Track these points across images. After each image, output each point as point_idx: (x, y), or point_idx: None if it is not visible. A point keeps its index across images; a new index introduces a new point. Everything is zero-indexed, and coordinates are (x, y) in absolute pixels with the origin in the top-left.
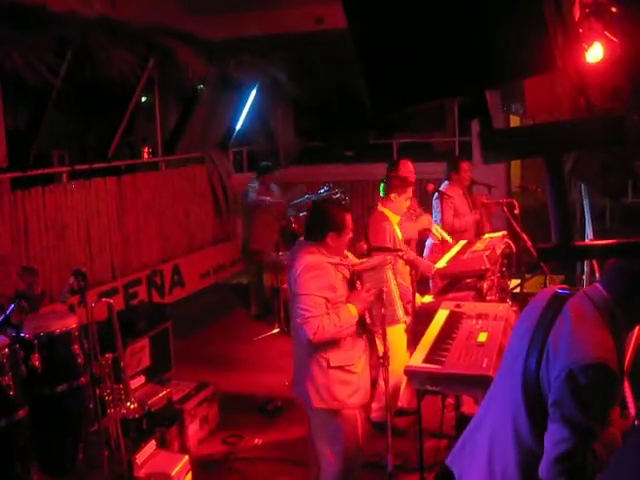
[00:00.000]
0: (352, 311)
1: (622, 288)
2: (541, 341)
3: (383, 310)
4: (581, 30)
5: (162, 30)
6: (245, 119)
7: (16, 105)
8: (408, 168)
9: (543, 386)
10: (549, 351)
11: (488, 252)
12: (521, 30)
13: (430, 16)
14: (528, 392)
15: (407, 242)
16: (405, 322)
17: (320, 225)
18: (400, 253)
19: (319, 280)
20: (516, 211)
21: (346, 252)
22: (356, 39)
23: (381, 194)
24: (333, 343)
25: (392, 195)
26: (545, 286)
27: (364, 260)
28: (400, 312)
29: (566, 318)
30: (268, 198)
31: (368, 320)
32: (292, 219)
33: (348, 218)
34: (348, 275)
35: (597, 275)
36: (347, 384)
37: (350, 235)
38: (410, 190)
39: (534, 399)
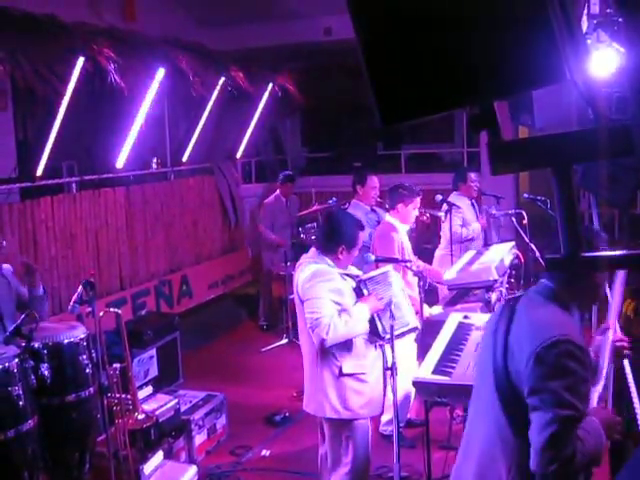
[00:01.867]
0: (363, 309)
1: (564, 276)
2: (503, 344)
3: (392, 321)
4: (589, 41)
5: (171, 41)
6: (253, 130)
7: (26, 115)
8: (373, 183)
9: (516, 384)
10: (513, 350)
11: (496, 263)
12: (529, 41)
13: (438, 27)
14: (505, 397)
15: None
16: (416, 328)
17: (333, 239)
18: (408, 264)
19: (327, 284)
20: (524, 222)
21: (350, 265)
22: (364, 50)
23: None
24: (345, 350)
25: (399, 205)
26: None
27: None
28: (410, 317)
29: (521, 314)
30: (274, 237)
31: (379, 328)
32: (300, 230)
33: (361, 235)
34: (354, 285)
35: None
36: (360, 394)
37: (357, 251)
38: (418, 200)
39: (512, 402)
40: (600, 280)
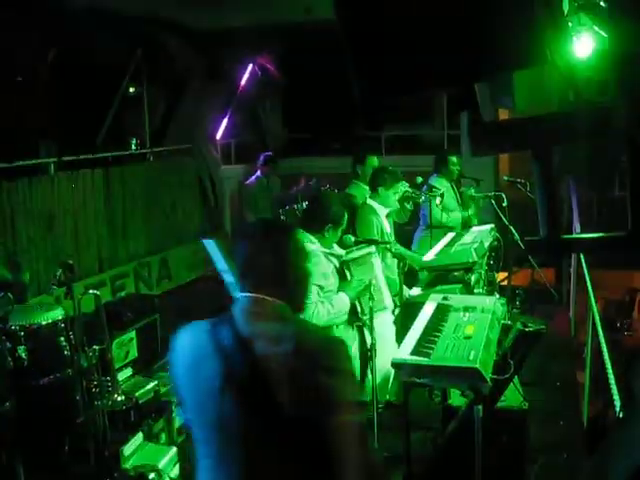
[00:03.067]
0: (345, 299)
1: None
2: None
3: (371, 302)
4: (570, 24)
5: (150, 20)
6: (233, 111)
7: (2, 96)
8: (373, 163)
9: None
10: None
11: (476, 245)
12: (511, 23)
13: (419, 8)
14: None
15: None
16: (393, 310)
17: (321, 218)
18: (388, 246)
19: (312, 268)
20: (504, 204)
21: (334, 244)
22: (345, 30)
23: None
24: None
25: (379, 189)
26: (533, 279)
27: (352, 251)
28: (387, 300)
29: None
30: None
31: (358, 309)
32: (281, 212)
33: (345, 215)
34: (338, 265)
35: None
36: None
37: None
38: (399, 185)
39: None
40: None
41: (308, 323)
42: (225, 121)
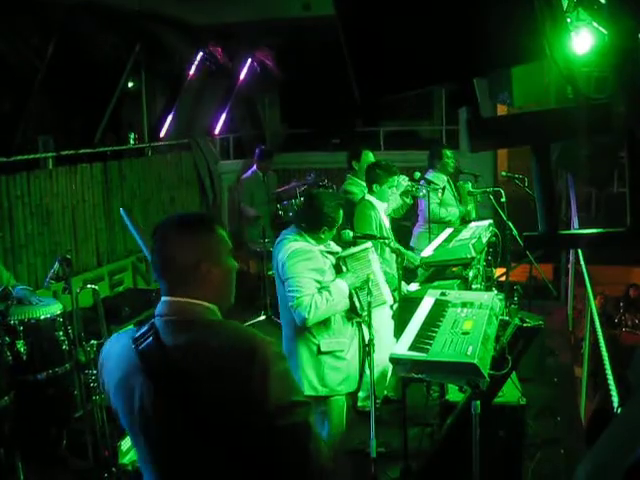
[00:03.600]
0: (342, 285)
1: None
2: None
3: (369, 297)
4: (569, 19)
5: (149, 15)
6: (232, 106)
7: (0, 89)
8: (369, 159)
9: None
10: None
11: (474, 240)
12: (510, 18)
13: (419, 3)
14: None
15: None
16: (391, 305)
17: (316, 218)
18: (386, 241)
19: (307, 263)
20: (502, 200)
21: (330, 241)
22: (344, 24)
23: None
24: (323, 328)
25: (374, 185)
26: (531, 275)
27: (349, 248)
28: (386, 294)
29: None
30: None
31: (357, 305)
32: (279, 207)
33: (341, 214)
34: (334, 262)
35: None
36: (337, 371)
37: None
38: (395, 179)
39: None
40: None
41: (236, 325)
42: (223, 116)
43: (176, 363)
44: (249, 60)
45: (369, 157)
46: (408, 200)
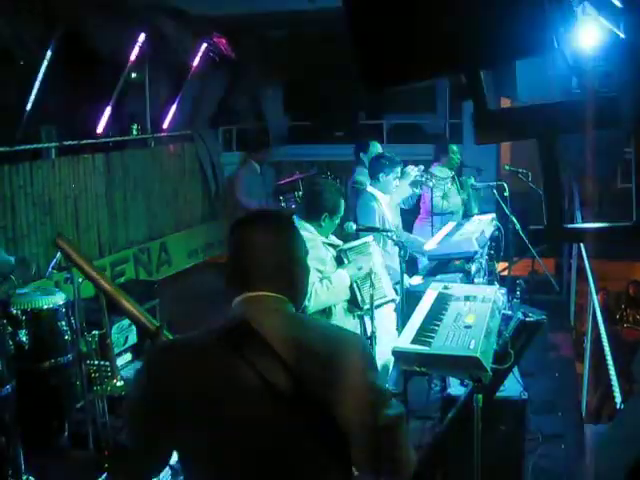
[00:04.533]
0: (343, 275)
1: None
2: None
3: (371, 290)
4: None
5: (153, 6)
6: (235, 97)
7: (4, 79)
8: (377, 150)
9: None
10: None
11: (477, 234)
12: (519, 11)
13: None
14: None
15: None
16: (394, 300)
17: (317, 207)
18: (389, 234)
19: (310, 252)
20: (505, 194)
21: (330, 234)
22: (350, 17)
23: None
24: (324, 319)
25: (380, 175)
26: (533, 269)
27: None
28: (388, 289)
29: None
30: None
31: (359, 298)
32: (281, 198)
33: (342, 203)
34: (335, 254)
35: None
36: None
37: (339, 219)
38: (398, 169)
39: None
40: None
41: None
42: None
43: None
44: (252, 51)
45: (376, 148)
46: (417, 190)
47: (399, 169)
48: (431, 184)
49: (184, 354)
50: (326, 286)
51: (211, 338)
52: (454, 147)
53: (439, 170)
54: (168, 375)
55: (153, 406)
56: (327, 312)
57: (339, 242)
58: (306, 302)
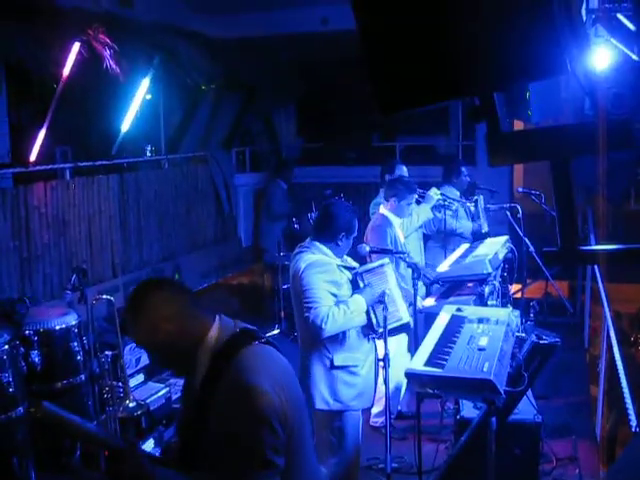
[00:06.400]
0: (360, 301)
1: None
2: None
3: (385, 312)
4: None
5: (168, 28)
6: (248, 119)
7: (20, 100)
8: (402, 172)
9: None
10: None
11: (490, 256)
12: (532, 33)
13: (441, 17)
14: None
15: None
16: (409, 323)
17: (332, 227)
18: (402, 256)
19: (324, 275)
20: (519, 215)
21: (345, 256)
22: (364, 39)
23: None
24: (337, 343)
25: (392, 199)
26: (547, 292)
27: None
28: (403, 311)
29: None
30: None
31: (373, 321)
32: (294, 220)
33: (356, 223)
34: (350, 277)
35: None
36: (351, 386)
37: (353, 239)
38: (413, 197)
39: None
40: None
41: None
42: (240, 129)
43: None
44: (266, 74)
45: (402, 171)
46: (440, 215)
47: (414, 197)
48: (454, 207)
49: None
50: (343, 310)
51: None
52: (463, 169)
53: (447, 190)
54: None
55: None
56: (341, 336)
57: (355, 264)
58: (322, 325)
